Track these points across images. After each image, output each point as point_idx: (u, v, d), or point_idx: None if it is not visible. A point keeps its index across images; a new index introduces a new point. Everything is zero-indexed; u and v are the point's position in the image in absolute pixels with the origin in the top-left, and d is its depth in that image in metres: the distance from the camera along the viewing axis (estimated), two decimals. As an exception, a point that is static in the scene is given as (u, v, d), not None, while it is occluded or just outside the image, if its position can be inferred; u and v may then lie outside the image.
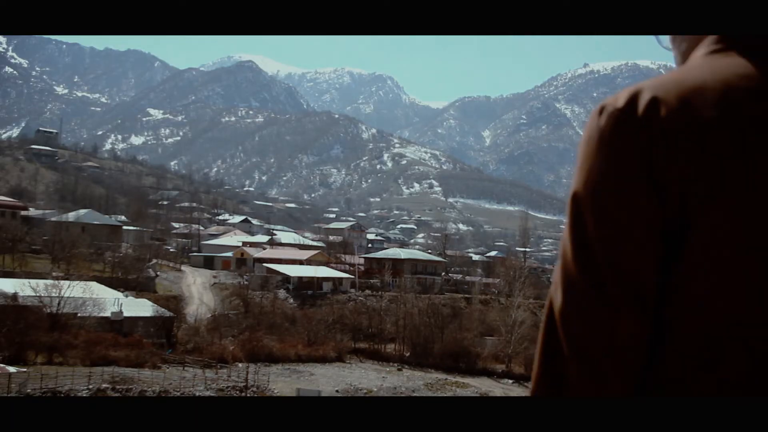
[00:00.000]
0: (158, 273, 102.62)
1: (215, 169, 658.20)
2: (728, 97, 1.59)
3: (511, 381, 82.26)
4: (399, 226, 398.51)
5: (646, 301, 1.55)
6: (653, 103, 1.60)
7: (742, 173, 1.51)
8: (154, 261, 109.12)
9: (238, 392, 56.39)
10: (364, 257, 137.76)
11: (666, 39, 2.17)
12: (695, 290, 1.53)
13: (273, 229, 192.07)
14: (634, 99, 1.63)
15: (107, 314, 67.93)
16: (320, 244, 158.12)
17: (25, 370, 48.70)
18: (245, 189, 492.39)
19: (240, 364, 67.94)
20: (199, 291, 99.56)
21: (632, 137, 1.58)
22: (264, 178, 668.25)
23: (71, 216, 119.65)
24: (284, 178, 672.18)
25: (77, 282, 67.20)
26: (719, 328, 1.51)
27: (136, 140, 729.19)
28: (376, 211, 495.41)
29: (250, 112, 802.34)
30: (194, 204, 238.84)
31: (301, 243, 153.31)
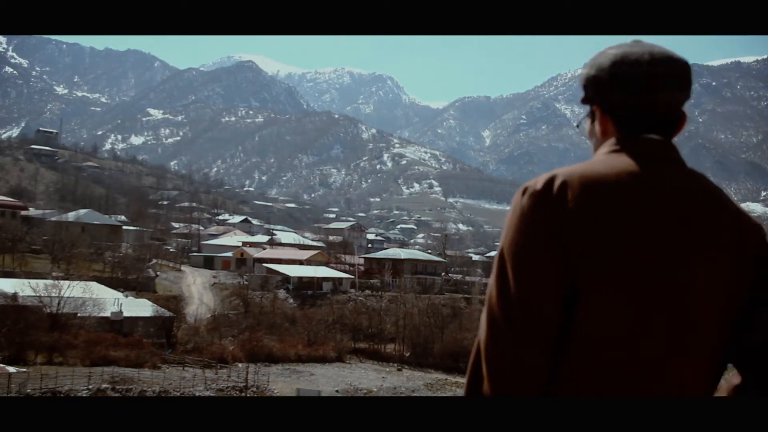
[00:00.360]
0: (158, 273, 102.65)
1: (215, 169, 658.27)
2: (619, 188, 2.31)
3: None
4: (399, 226, 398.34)
5: (547, 337, 2.25)
6: (563, 188, 2.29)
7: (624, 250, 2.24)
8: (154, 261, 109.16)
9: (238, 392, 56.39)
10: (364, 257, 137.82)
11: (584, 129, 2.68)
12: (583, 334, 2.25)
13: (273, 229, 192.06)
14: (550, 183, 2.32)
15: (107, 314, 67.94)
16: (320, 244, 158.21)
17: (25, 370, 48.72)
18: (245, 189, 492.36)
19: (240, 364, 67.96)
20: (199, 291, 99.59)
21: (545, 213, 2.28)
22: (264, 178, 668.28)
23: (71, 216, 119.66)
24: (284, 178, 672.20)
25: (77, 282, 67.23)
26: (597, 362, 2.27)
27: (136, 140, 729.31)
28: (376, 211, 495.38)
29: (250, 112, 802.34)
30: (194, 204, 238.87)
31: (301, 243, 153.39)
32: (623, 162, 2.42)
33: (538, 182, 2.37)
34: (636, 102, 2.51)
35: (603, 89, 2.56)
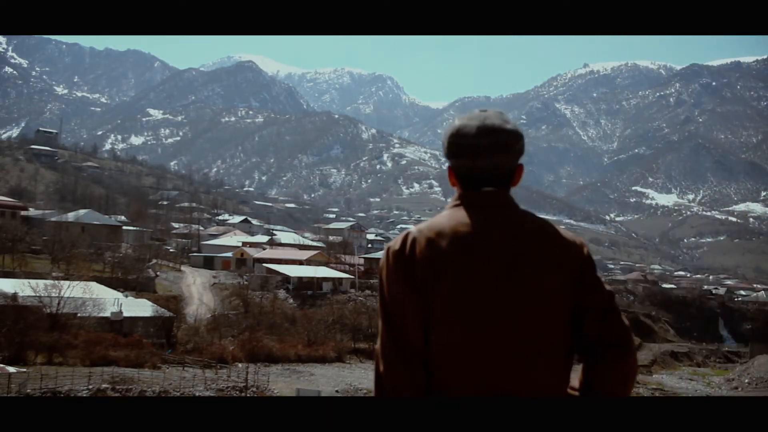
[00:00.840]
0: (158, 273, 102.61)
1: (215, 169, 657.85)
2: (456, 237, 3.16)
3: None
4: (399, 226, 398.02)
5: (415, 350, 3.13)
6: (413, 244, 3.19)
7: (461, 287, 3.09)
8: (154, 261, 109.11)
9: (238, 392, 56.38)
10: (364, 257, 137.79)
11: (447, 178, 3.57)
12: (439, 353, 3.13)
13: (273, 230, 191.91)
14: (404, 241, 3.22)
15: (107, 314, 67.93)
16: (320, 244, 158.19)
17: (25, 370, 48.72)
18: (245, 189, 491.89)
19: (240, 364, 67.97)
20: (199, 291, 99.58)
21: (402, 267, 3.17)
22: (264, 178, 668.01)
23: (71, 216, 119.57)
24: (284, 178, 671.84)
25: (77, 282, 67.20)
26: (451, 371, 3.11)
27: (136, 140, 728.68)
28: (375, 212, 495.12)
29: (250, 112, 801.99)
30: (194, 204, 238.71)
31: (301, 243, 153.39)
32: (461, 214, 3.24)
33: (396, 242, 3.26)
34: (465, 165, 3.33)
35: (445, 154, 3.44)
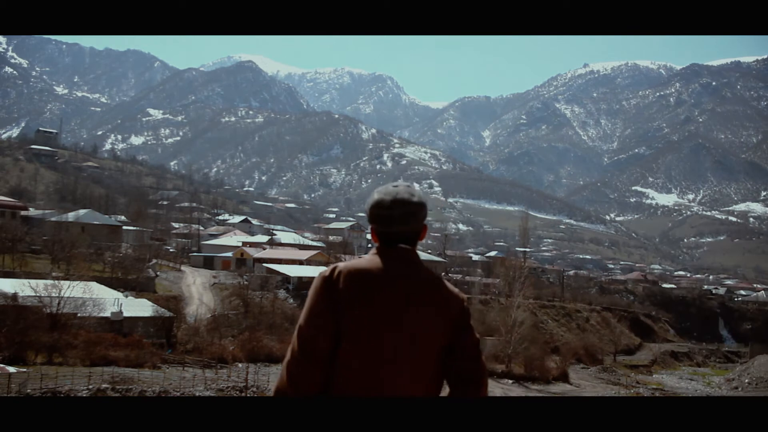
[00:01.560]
0: (158, 273, 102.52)
1: (215, 169, 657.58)
2: (370, 276, 4.27)
3: (510, 381, 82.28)
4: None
5: (320, 359, 4.14)
6: (338, 274, 4.27)
7: (368, 313, 4.17)
8: (154, 261, 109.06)
9: (238, 392, 56.32)
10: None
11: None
12: (343, 359, 4.16)
13: (273, 229, 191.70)
14: (332, 270, 4.33)
15: (107, 314, 67.87)
16: (320, 244, 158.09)
17: (25, 370, 48.67)
18: (245, 189, 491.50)
19: (240, 365, 67.93)
20: (199, 291, 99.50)
21: (328, 289, 4.25)
22: (264, 178, 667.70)
23: (71, 216, 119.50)
24: (284, 178, 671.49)
25: (77, 282, 67.12)
26: (349, 375, 4.13)
27: (136, 140, 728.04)
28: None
29: (250, 112, 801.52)
30: (194, 204, 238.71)
31: (301, 243, 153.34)
32: (377, 261, 4.35)
33: (327, 271, 4.36)
34: (383, 229, 4.47)
35: (368, 220, 4.57)
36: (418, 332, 4.21)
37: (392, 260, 4.36)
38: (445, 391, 4.21)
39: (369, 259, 4.42)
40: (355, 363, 4.14)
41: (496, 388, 75.41)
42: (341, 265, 4.34)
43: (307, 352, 4.17)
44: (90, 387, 47.74)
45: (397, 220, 4.38)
